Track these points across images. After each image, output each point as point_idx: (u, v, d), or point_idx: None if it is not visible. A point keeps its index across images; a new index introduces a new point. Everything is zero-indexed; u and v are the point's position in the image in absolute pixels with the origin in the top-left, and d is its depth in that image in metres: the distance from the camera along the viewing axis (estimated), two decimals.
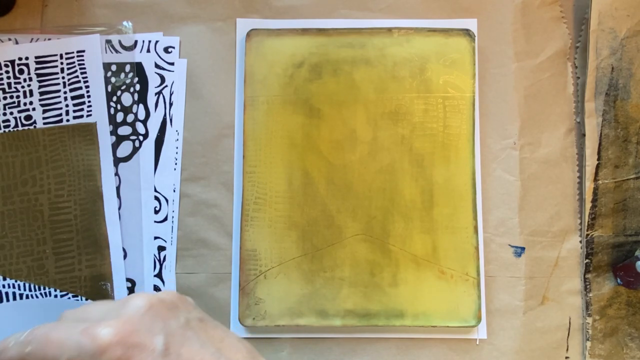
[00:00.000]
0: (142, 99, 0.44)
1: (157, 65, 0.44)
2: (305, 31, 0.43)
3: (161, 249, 0.43)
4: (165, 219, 0.43)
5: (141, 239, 0.43)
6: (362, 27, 0.43)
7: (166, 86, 0.44)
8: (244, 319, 0.41)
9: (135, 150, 0.43)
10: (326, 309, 0.41)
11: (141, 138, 0.43)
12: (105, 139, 0.43)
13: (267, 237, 0.42)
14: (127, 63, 0.44)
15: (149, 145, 0.43)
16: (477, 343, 0.42)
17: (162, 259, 0.43)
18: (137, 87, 0.44)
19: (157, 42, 0.44)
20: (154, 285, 0.43)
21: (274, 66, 0.43)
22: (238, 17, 0.44)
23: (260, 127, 0.42)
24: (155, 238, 0.43)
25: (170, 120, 0.44)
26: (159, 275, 0.43)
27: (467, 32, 0.43)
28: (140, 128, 0.43)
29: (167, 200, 0.43)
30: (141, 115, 0.43)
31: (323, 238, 0.42)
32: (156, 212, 0.43)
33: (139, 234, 0.43)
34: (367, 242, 0.42)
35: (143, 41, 0.44)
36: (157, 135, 0.43)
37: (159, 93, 0.44)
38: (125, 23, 0.44)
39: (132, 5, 0.44)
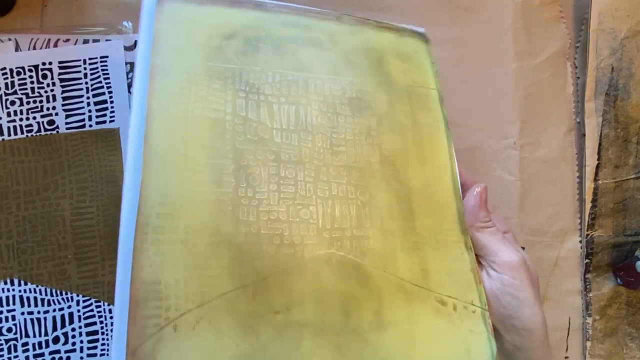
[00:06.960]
0: None
1: None
2: (235, 3, 0.34)
3: None
4: None
5: None
6: (308, 9, 0.35)
7: None
8: None
9: None
10: None
11: None
12: None
13: (179, 262, 0.26)
14: (127, 63, 0.44)
15: None
16: None
17: None
18: None
19: None
20: None
21: (193, 34, 0.32)
22: None
23: (171, 103, 0.29)
24: None
25: None
26: None
27: (420, 34, 0.38)
28: None
29: None
30: None
31: (270, 260, 0.28)
32: None
33: None
34: (335, 265, 0.29)
35: None
36: None
37: None
38: (125, 23, 0.44)
39: (132, 5, 0.44)
